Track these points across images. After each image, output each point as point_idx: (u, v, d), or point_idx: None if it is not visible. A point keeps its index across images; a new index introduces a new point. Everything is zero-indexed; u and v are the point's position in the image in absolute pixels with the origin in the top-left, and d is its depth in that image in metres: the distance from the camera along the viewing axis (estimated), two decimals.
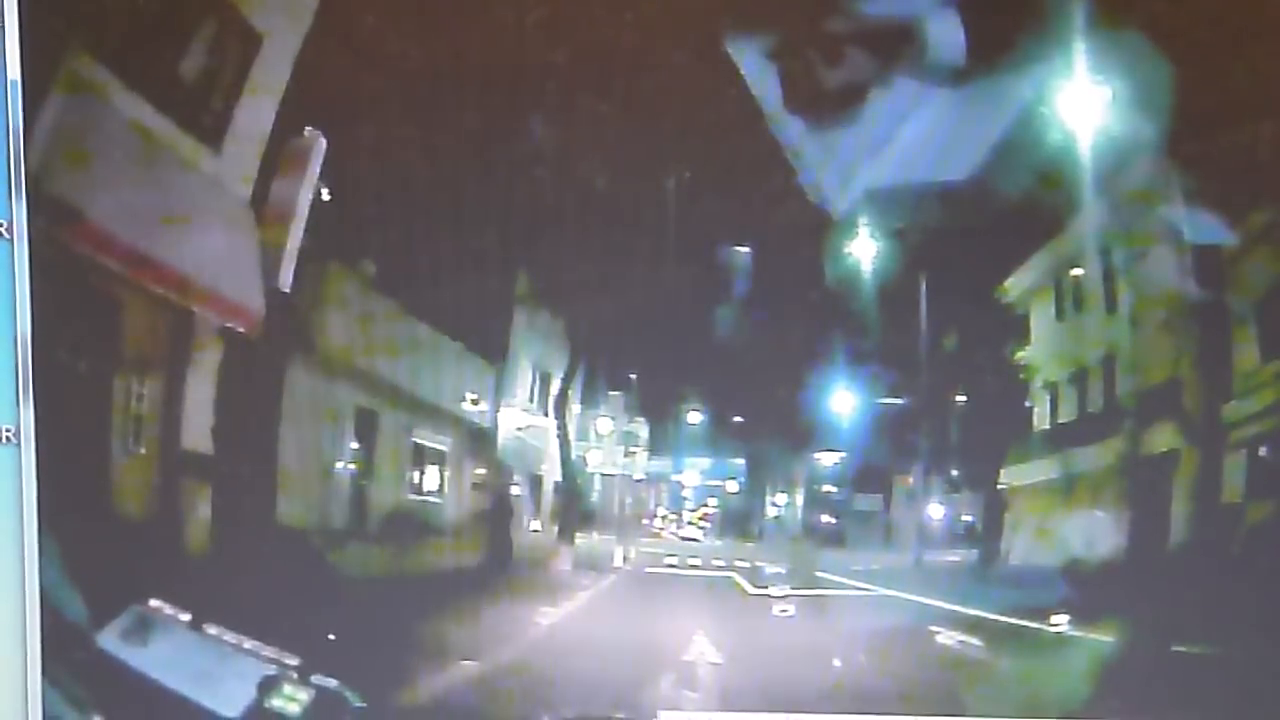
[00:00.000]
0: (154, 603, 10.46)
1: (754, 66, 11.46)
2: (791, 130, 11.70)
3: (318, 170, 11.91)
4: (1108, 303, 13.24)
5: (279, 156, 11.88)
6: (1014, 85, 11.50)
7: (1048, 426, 14.01)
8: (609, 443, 15.97)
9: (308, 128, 11.92)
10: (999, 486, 14.12)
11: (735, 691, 11.76)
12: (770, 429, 15.53)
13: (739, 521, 16.36)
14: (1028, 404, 14.24)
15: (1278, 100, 10.96)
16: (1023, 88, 11.51)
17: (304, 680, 10.61)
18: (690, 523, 16.46)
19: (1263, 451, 11.88)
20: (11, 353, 8.58)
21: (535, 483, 15.37)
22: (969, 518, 14.50)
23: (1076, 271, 13.63)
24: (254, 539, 11.66)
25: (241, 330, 11.73)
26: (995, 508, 14.09)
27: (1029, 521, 13.69)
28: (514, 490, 14.92)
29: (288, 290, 11.92)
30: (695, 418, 15.59)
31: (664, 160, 12.49)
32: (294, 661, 10.66)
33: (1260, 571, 11.24)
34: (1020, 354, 14.50)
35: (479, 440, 14.50)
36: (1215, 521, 12.12)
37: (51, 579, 8.96)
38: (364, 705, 10.70)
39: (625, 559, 15.51)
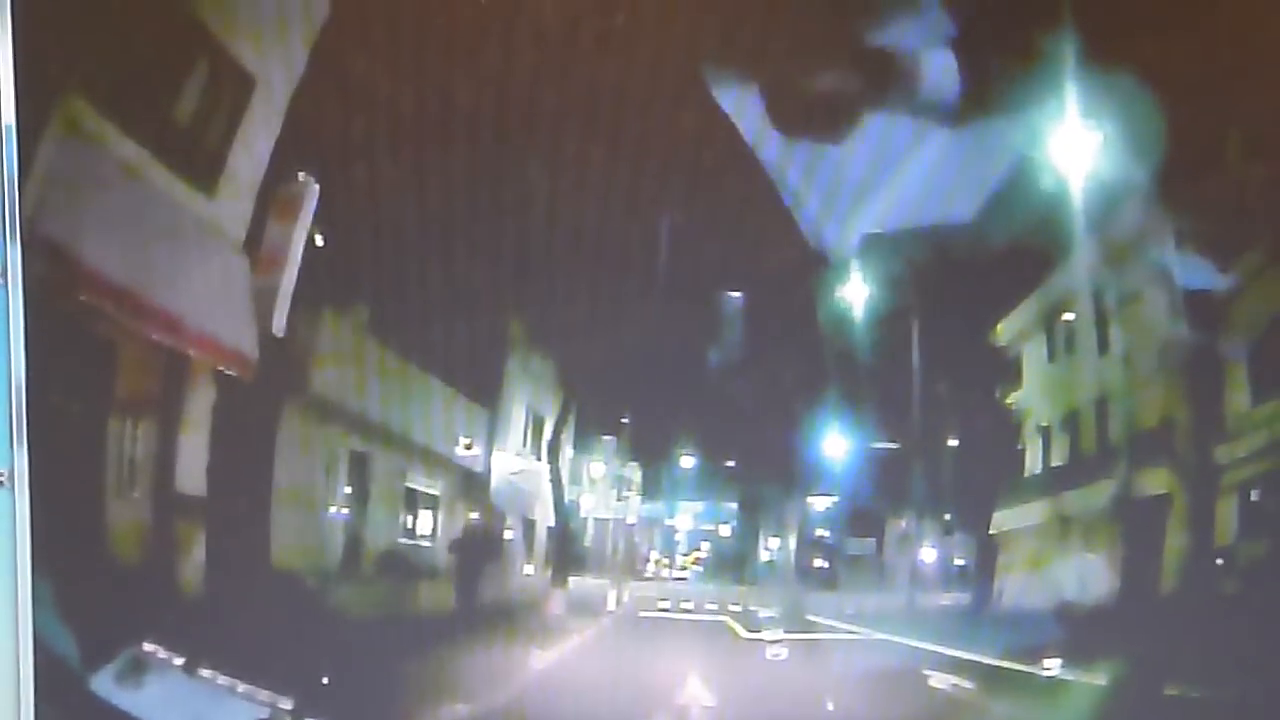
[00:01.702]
0: (148, 645, 10.42)
1: (749, 114, 11.51)
2: (789, 176, 11.74)
3: (311, 215, 11.94)
4: (1100, 346, 13.27)
5: (272, 201, 11.90)
6: (1008, 129, 11.55)
7: (1040, 470, 14.03)
8: (602, 487, 16.01)
9: (301, 172, 11.95)
10: (991, 530, 14.14)
11: None
12: (763, 473, 15.59)
13: (732, 565, 16.41)
14: (1020, 447, 14.28)
15: (1268, 143, 10.98)
16: (1016, 132, 11.56)
17: None
18: (683, 566, 16.50)
19: (1254, 494, 11.88)
20: (6, 396, 8.55)
21: (528, 526, 15.39)
22: (961, 561, 14.53)
23: (1069, 315, 13.68)
24: (248, 582, 11.65)
25: (235, 374, 11.73)
26: (988, 551, 14.11)
27: (1021, 564, 13.70)
28: (507, 534, 14.97)
29: (281, 334, 11.93)
30: (688, 462, 15.64)
31: (656, 203, 12.53)
32: (288, 704, 10.61)
33: (1253, 614, 11.22)
34: (1013, 397, 14.54)
35: (472, 484, 14.52)
36: (1208, 564, 12.12)
37: (45, 622, 8.92)
38: None
39: (618, 602, 15.54)
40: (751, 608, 15.09)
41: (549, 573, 15.16)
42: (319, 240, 12.04)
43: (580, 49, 11.37)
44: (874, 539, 15.39)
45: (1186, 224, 11.78)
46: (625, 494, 16.02)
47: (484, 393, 14.62)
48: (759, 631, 14.17)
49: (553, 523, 15.34)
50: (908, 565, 14.73)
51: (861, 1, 11.08)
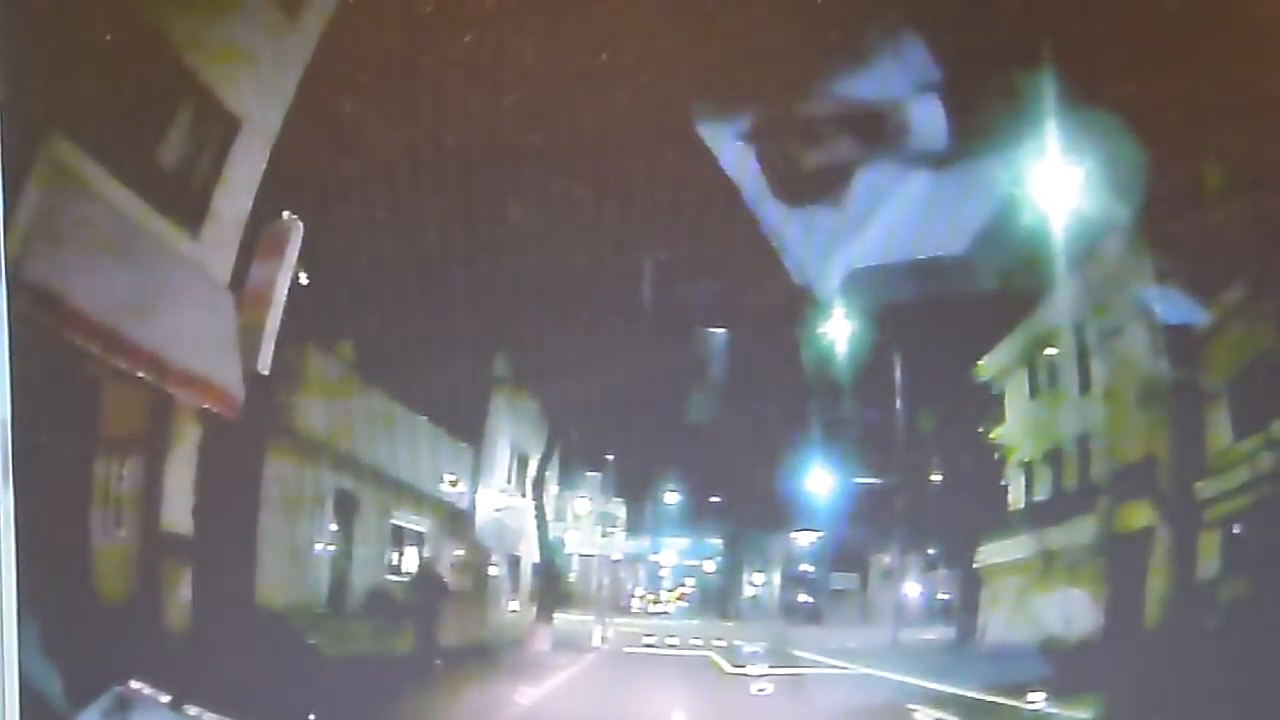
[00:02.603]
0: (134, 683, 10.37)
1: (733, 152, 11.53)
2: (773, 213, 11.76)
3: (296, 254, 11.95)
4: (1082, 382, 13.32)
5: (257, 240, 11.91)
6: (991, 168, 11.56)
7: (1023, 505, 14.07)
8: (587, 523, 16.03)
9: (285, 212, 11.96)
10: (975, 565, 14.17)
11: None
12: (747, 509, 15.60)
13: (716, 601, 16.43)
14: (1003, 483, 14.32)
15: (1247, 181, 11.02)
16: (999, 171, 11.58)
17: None
18: (668, 602, 16.52)
19: (1236, 529, 11.91)
20: None
21: (513, 563, 15.39)
22: (946, 596, 14.56)
23: (1050, 351, 13.73)
24: (234, 620, 11.62)
25: (220, 412, 11.72)
26: (972, 586, 14.14)
27: (1006, 599, 13.72)
28: (492, 571, 14.98)
29: (267, 373, 11.94)
30: (672, 498, 15.66)
31: (641, 242, 12.57)
32: None
33: (1235, 647, 11.22)
34: (996, 433, 14.58)
35: (457, 521, 14.51)
36: (1190, 598, 12.14)
37: (31, 660, 8.88)
38: None
39: (604, 639, 15.55)
40: (736, 643, 15.10)
41: (534, 609, 15.17)
42: (304, 279, 12.05)
43: (564, 90, 11.40)
44: (858, 574, 15.44)
45: (1167, 261, 11.81)
46: (610, 530, 16.06)
47: (469, 430, 14.63)
48: (744, 666, 14.17)
49: (538, 559, 15.35)
50: (892, 600, 14.76)
51: (847, 45, 11.11)
